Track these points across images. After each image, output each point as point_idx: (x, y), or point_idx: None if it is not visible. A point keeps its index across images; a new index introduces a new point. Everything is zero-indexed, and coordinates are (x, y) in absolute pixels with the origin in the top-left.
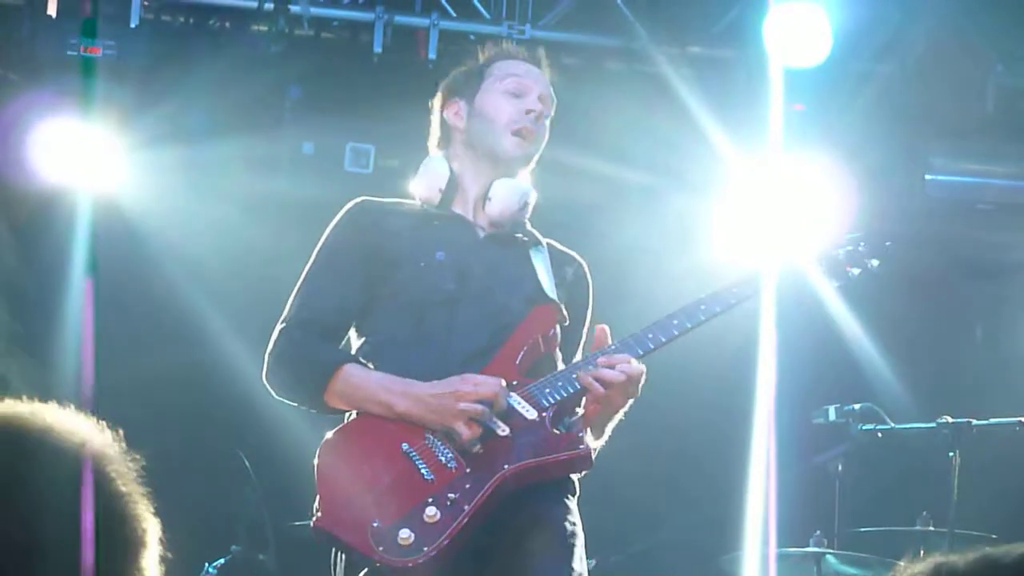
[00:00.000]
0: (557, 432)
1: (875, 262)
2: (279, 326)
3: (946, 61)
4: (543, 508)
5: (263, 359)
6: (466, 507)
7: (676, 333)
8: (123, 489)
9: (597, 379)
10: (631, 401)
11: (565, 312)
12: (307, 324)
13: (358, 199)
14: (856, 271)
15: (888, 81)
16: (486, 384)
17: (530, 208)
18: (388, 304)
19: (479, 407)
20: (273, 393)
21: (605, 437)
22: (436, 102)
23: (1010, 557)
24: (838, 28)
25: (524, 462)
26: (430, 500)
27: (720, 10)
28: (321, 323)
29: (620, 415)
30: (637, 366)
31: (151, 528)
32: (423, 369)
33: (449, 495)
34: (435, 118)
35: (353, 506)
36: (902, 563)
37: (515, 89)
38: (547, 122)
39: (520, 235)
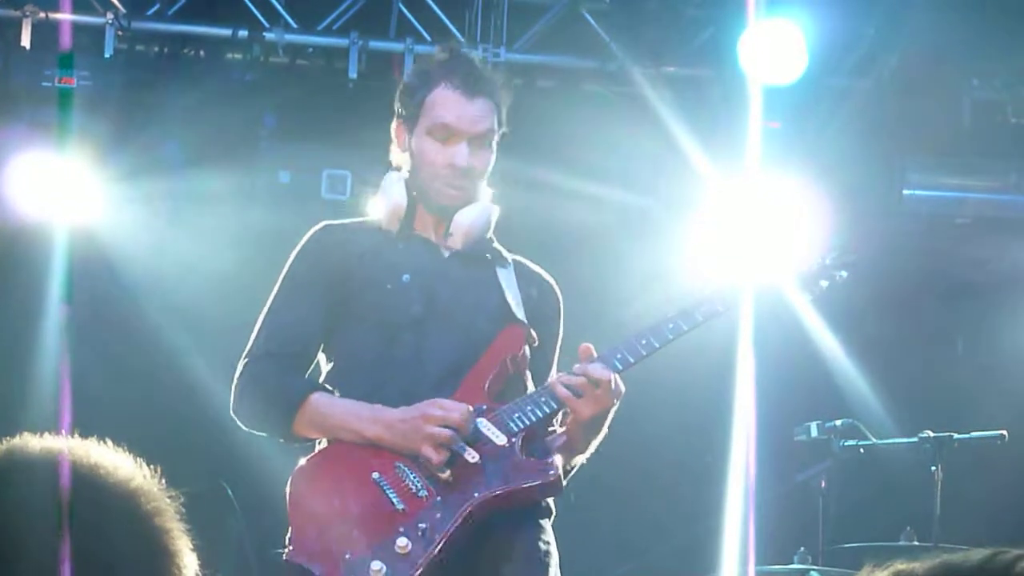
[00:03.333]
0: (526, 459)
1: (843, 274)
2: (243, 359)
3: (922, 76)
4: (516, 531)
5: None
6: (436, 536)
7: (644, 353)
8: (165, 525)
9: (567, 386)
10: (611, 414)
11: (534, 333)
12: (272, 356)
13: (320, 224)
14: (824, 283)
15: (864, 97)
16: (454, 409)
17: (492, 225)
18: (355, 327)
19: (447, 432)
20: (242, 425)
21: (587, 453)
22: (392, 111)
23: (968, 564)
24: (813, 45)
25: (493, 490)
26: (401, 530)
27: (695, 29)
28: (286, 354)
29: (604, 430)
30: (603, 371)
31: (190, 563)
32: (392, 393)
33: (420, 525)
34: (390, 132)
35: (325, 538)
36: (864, 571)
37: (443, 136)
38: (491, 146)
39: (486, 254)
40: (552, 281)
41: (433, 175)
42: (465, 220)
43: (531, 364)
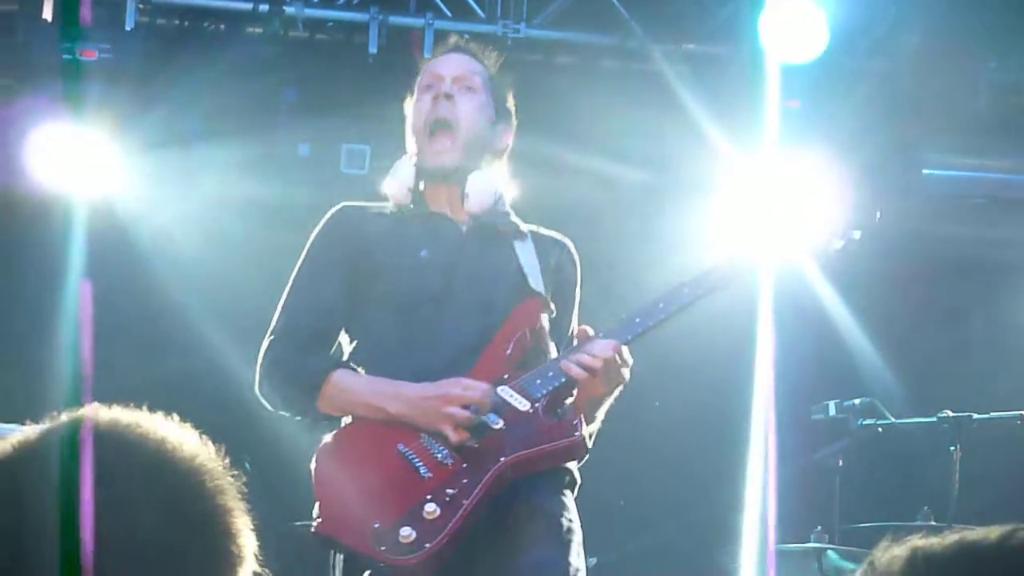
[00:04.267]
0: (550, 421)
1: (857, 233)
2: (267, 339)
3: (940, 57)
4: (539, 501)
5: (255, 372)
6: (464, 502)
7: (663, 317)
8: (227, 504)
9: (578, 364)
10: (619, 387)
11: (552, 303)
12: (295, 335)
13: (338, 206)
14: (839, 244)
15: (883, 77)
16: (474, 388)
17: (507, 198)
18: (375, 306)
19: (466, 414)
20: (267, 405)
21: (597, 422)
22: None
23: (987, 541)
24: (833, 24)
25: (519, 453)
26: (429, 497)
27: (715, 6)
28: (308, 333)
29: (610, 400)
30: (609, 349)
31: (249, 543)
32: (414, 369)
33: (447, 491)
34: None
35: (353, 509)
36: (881, 547)
37: (429, 82)
38: (473, 91)
39: (503, 227)
40: (568, 243)
41: (420, 117)
42: (478, 182)
43: (552, 333)
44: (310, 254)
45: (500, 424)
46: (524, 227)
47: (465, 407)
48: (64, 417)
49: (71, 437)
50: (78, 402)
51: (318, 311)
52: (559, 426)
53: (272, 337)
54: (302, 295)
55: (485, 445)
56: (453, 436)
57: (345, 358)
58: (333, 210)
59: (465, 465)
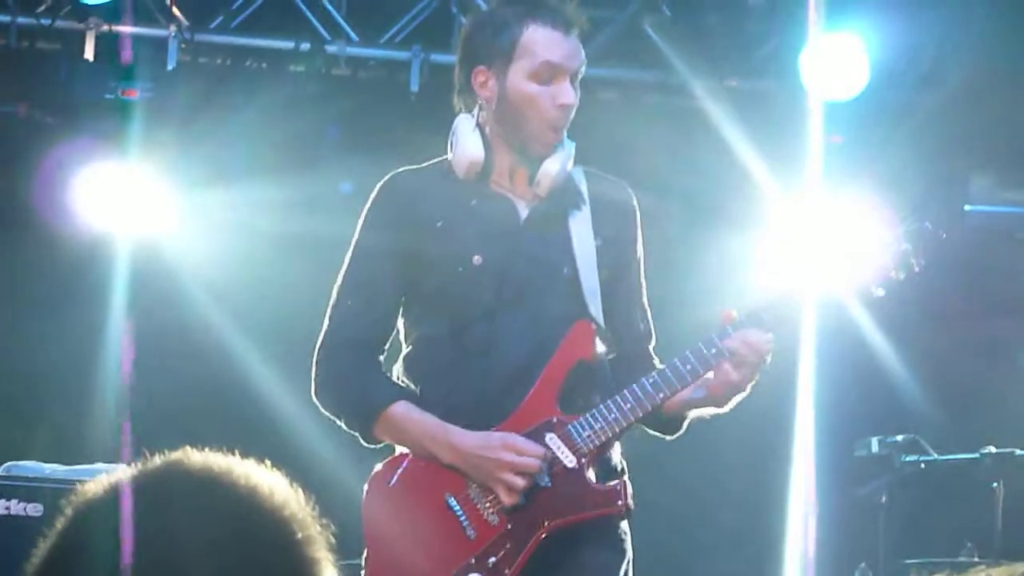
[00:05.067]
0: (595, 484)
1: (901, 275)
2: (320, 346)
3: (984, 91)
4: (586, 557)
5: (310, 379)
6: (507, 571)
7: (714, 362)
8: (315, 555)
9: (729, 349)
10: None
11: (612, 278)
12: (349, 346)
13: (389, 176)
14: (881, 292)
15: (927, 111)
16: (528, 455)
17: (570, 166)
18: (427, 313)
19: (520, 482)
20: (323, 411)
21: (732, 405)
22: (460, 57)
23: None
24: (876, 59)
25: (564, 518)
26: (473, 562)
27: (757, 42)
28: (362, 342)
29: (747, 389)
30: (759, 336)
31: None
32: (466, 399)
33: (490, 559)
34: (460, 76)
35: (399, 565)
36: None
37: (548, 76)
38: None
39: (561, 202)
40: (629, 191)
41: (541, 119)
42: (553, 168)
43: (618, 293)
44: (361, 241)
45: (547, 481)
46: (583, 187)
47: (519, 473)
48: (157, 460)
49: (161, 481)
50: (118, 436)
51: (372, 317)
52: (603, 493)
53: (326, 347)
54: (354, 295)
55: (531, 504)
56: (507, 500)
57: (401, 361)
58: (384, 180)
59: (510, 527)
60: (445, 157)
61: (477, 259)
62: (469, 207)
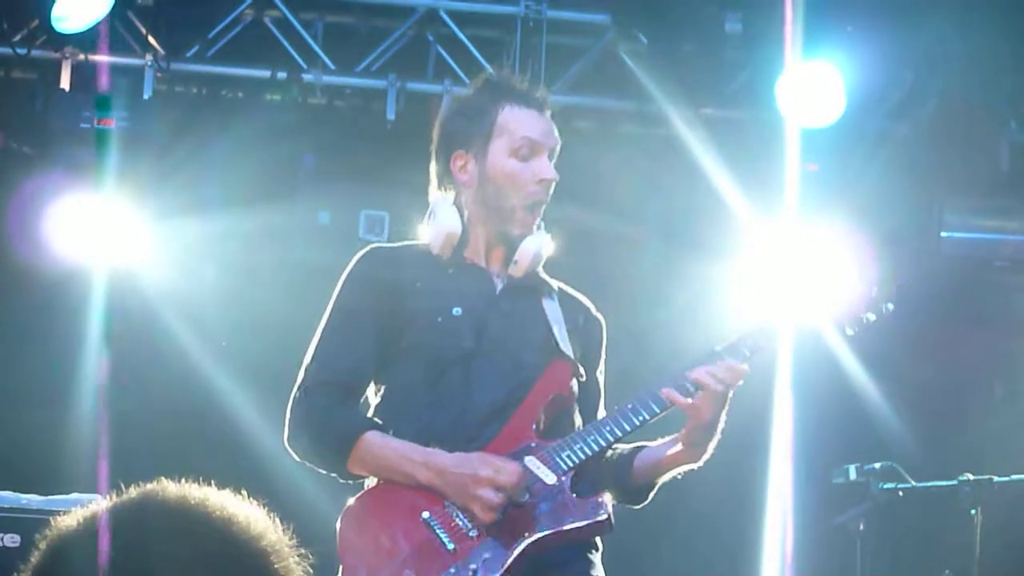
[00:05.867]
0: (577, 498)
1: (889, 306)
2: (297, 390)
3: (960, 119)
4: (566, 568)
5: (284, 423)
6: None
7: (692, 390)
8: None
9: (695, 381)
10: (724, 412)
11: (581, 368)
12: (325, 387)
13: (367, 248)
14: (872, 317)
15: (903, 139)
16: (506, 473)
17: (545, 255)
18: (405, 360)
19: (496, 499)
20: (296, 457)
21: (708, 454)
22: (437, 147)
23: None
24: (852, 87)
25: (544, 532)
26: (453, 571)
27: (733, 71)
28: (339, 385)
29: (719, 428)
30: (738, 366)
31: None
32: (442, 429)
33: (471, 566)
34: (437, 165)
35: None
36: None
37: (527, 153)
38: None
39: (534, 284)
40: (592, 306)
41: (522, 195)
42: (532, 247)
43: (581, 396)
44: (339, 300)
45: (527, 497)
46: (553, 283)
47: (496, 489)
48: (132, 492)
49: (137, 513)
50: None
51: (350, 362)
52: (584, 505)
53: (302, 390)
54: (332, 344)
55: (510, 518)
56: (482, 516)
57: (371, 411)
58: (362, 253)
59: (490, 539)
60: (420, 240)
61: (457, 310)
62: (446, 273)
